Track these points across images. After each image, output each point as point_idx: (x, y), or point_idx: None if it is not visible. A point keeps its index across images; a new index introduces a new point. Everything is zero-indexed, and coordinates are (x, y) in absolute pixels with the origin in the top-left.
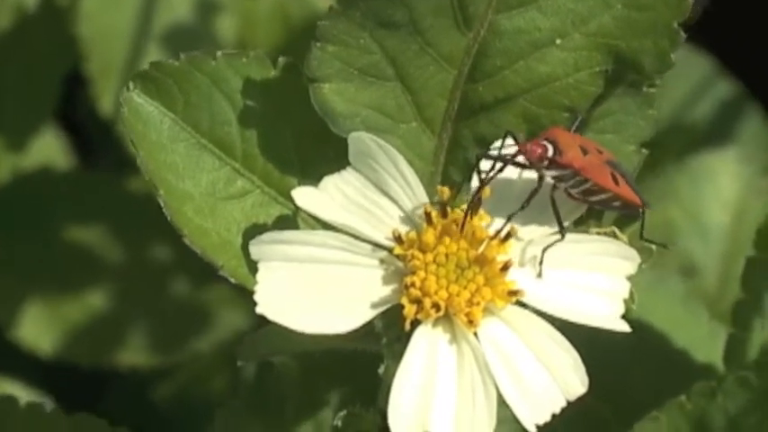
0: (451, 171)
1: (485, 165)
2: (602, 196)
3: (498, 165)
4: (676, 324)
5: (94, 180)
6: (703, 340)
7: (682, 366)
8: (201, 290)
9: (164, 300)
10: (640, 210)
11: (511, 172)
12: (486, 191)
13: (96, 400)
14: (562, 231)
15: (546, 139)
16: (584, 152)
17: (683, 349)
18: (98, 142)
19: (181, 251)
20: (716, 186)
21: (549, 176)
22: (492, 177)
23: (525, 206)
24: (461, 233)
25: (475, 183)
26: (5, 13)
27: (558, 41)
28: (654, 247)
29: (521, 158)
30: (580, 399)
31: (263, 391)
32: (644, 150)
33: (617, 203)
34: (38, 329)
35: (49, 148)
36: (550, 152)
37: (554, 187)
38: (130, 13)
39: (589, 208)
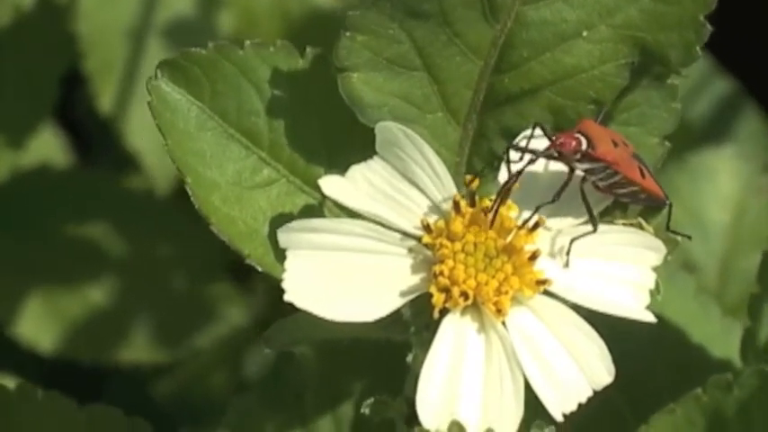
0: (476, 161)
1: (514, 156)
2: (629, 189)
3: (528, 156)
4: (690, 319)
5: (93, 178)
6: (717, 336)
7: (699, 360)
8: (201, 287)
9: (163, 296)
10: (663, 203)
11: (538, 163)
12: (515, 184)
13: (96, 396)
14: (594, 223)
15: (579, 132)
16: (615, 145)
17: (699, 343)
18: (97, 140)
19: (181, 247)
20: (715, 184)
21: (580, 169)
22: (523, 169)
23: (556, 199)
24: (491, 224)
25: (503, 174)
26: (3, 12)
27: (585, 33)
28: (679, 238)
29: (552, 151)
30: (602, 390)
31: (281, 384)
32: (666, 143)
33: (642, 196)
34: (37, 326)
35: (47, 147)
36: (584, 145)
37: (583, 179)
38: (128, 11)
39: (614, 199)
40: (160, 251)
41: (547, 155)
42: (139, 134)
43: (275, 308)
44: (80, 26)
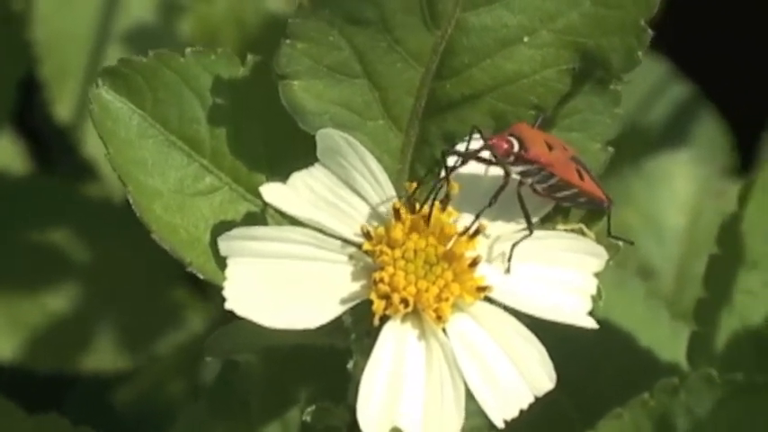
0: (418, 168)
1: (451, 161)
2: (568, 192)
3: (464, 160)
4: (638, 324)
5: (51, 185)
6: (666, 340)
7: (646, 365)
8: (160, 294)
9: (122, 304)
10: (605, 205)
11: (479, 168)
12: (455, 187)
13: (56, 404)
14: (530, 227)
15: (511, 135)
16: (550, 148)
17: (647, 348)
18: (56, 147)
19: (140, 254)
20: (671, 189)
21: (515, 172)
22: (453, 170)
23: (493, 202)
24: (428, 225)
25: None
26: None
27: (526, 39)
28: (621, 243)
29: (486, 154)
30: (547, 395)
31: (227, 391)
32: (610, 149)
33: (582, 199)
34: None
35: (5, 153)
36: (516, 147)
37: (520, 183)
38: (85, 18)
39: (556, 205)
40: (119, 258)
41: (480, 159)
42: (97, 141)
43: (233, 314)
44: (36, 32)
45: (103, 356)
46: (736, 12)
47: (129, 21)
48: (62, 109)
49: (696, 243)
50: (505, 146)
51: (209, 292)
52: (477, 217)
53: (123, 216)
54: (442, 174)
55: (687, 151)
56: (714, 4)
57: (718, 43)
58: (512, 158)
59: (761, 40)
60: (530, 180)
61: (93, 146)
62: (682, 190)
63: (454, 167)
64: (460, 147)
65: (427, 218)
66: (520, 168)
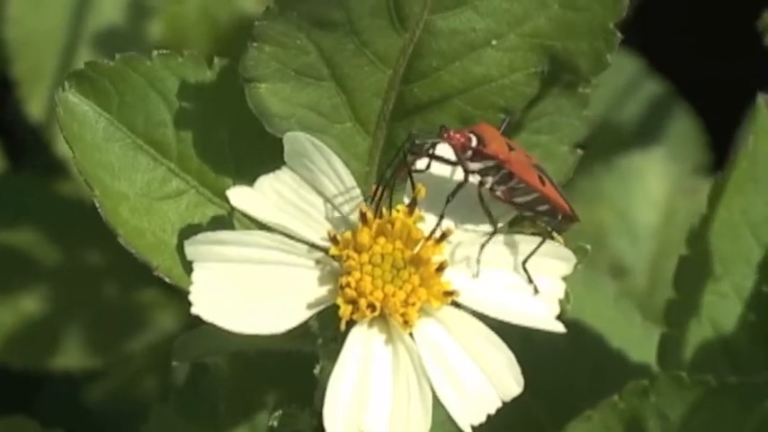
0: (387, 171)
1: (412, 159)
2: (529, 197)
3: (424, 157)
4: (609, 325)
5: (24, 183)
6: (637, 341)
7: (617, 366)
8: (133, 292)
9: (95, 302)
10: (570, 218)
11: (445, 172)
12: (422, 190)
13: (27, 403)
14: (494, 226)
15: (471, 132)
16: (510, 149)
17: (617, 349)
18: (29, 144)
19: (112, 254)
20: (644, 186)
21: (473, 169)
22: (412, 164)
23: (450, 199)
24: (375, 216)
25: (406, 179)
26: None
27: (494, 42)
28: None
29: (447, 152)
30: (516, 398)
31: (196, 394)
32: (578, 151)
33: (545, 207)
34: None
35: None
36: (474, 142)
37: (480, 183)
38: (56, 18)
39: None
40: (91, 258)
41: (440, 158)
42: None
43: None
44: (8, 32)
45: (75, 355)
46: (709, 8)
47: (101, 21)
48: (34, 108)
49: (669, 241)
50: (462, 140)
51: (181, 292)
52: (441, 219)
53: (96, 215)
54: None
55: (660, 149)
56: (687, 1)
57: (692, 40)
58: (469, 153)
59: (734, 36)
60: (489, 180)
61: (65, 145)
62: (654, 188)
63: (414, 163)
64: (422, 145)
65: (375, 211)
66: (478, 165)
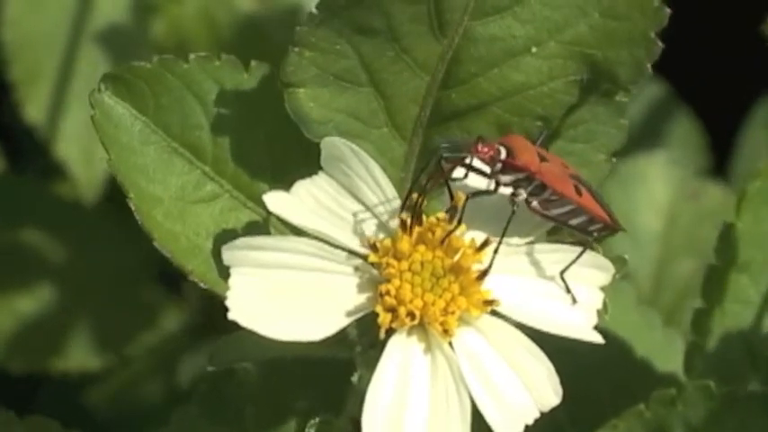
0: (422, 177)
1: (446, 166)
2: (565, 209)
3: (459, 168)
4: (633, 331)
5: (22, 184)
6: (660, 347)
7: (642, 374)
8: (132, 293)
9: (94, 304)
10: (611, 229)
11: (483, 182)
12: (461, 198)
13: (28, 406)
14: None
15: (501, 144)
16: (543, 159)
17: (641, 356)
18: (27, 147)
19: (110, 255)
20: (647, 190)
21: (505, 182)
22: (448, 175)
23: (470, 196)
24: (441, 245)
25: (447, 190)
26: None
27: (534, 49)
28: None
29: (479, 164)
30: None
31: (220, 398)
32: (613, 159)
33: (583, 218)
34: None
35: None
36: (503, 155)
37: (513, 195)
38: (55, 19)
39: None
40: (91, 259)
41: (473, 168)
42: (67, 142)
43: (207, 314)
44: (5, 33)
45: (75, 357)
46: (709, 9)
47: (100, 21)
48: (32, 110)
49: (672, 245)
50: (490, 152)
51: (183, 292)
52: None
53: (94, 216)
54: (447, 187)
55: (663, 153)
56: (688, 4)
57: (693, 42)
58: (499, 166)
59: (735, 38)
60: (522, 192)
61: (63, 147)
62: (657, 191)
63: (450, 172)
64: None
65: (444, 238)
66: (509, 177)
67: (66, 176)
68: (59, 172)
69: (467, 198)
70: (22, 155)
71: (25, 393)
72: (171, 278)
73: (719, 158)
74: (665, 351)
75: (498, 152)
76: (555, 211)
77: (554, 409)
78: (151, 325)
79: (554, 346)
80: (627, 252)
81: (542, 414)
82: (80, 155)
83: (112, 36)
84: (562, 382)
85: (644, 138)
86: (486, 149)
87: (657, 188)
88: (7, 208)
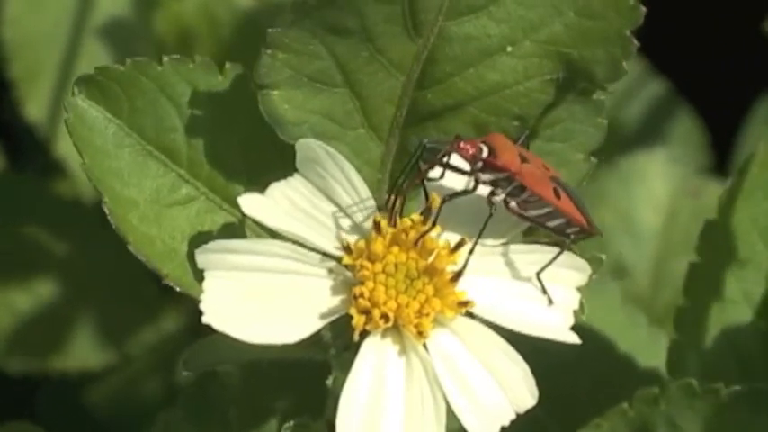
0: (400, 178)
1: (425, 167)
2: (542, 210)
3: (438, 166)
4: (616, 330)
5: (22, 182)
6: (644, 346)
7: (625, 372)
8: (132, 293)
9: (94, 303)
10: (587, 233)
11: (460, 183)
12: (436, 200)
13: (28, 405)
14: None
15: (483, 142)
16: (524, 160)
17: (624, 355)
18: (27, 145)
19: (110, 254)
20: (647, 188)
21: (484, 180)
22: (426, 173)
23: (447, 199)
24: (415, 246)
25: (423, 191)
26: None
27: (509, 49)
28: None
29: (461, 162)
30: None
31: (205, 400)
32: (592, 159)
33: (561, 221)
34: None
35: None
36: (484, 153)
37: (491, 194)
38: (55, 18)
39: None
40: (90, 257)
41: (452, 167)
42: (67, 140)
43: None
44: (5, 32)
45: (75, 356)
46: (711, 9)
47: (100, 19)
48: (32, 108)
49: (671, 243)
50: (472, 150)
51: (182, 293)
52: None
53: (94, 215)
54: (422, 187)
55: (663, 150)
56: (690, 3)
57: (694, 40)
58: (479, 164)
59: (736, 36)
60: (501, 192)
61: (64, 146)
62: (657, 189)
63: (427, 172)
64: (432, 152)
65: (418, 239)
66: (489, 176)
67: (66, 174)
68: (59, 170)
69: (443, 201)
70: (22, 153)
71: (24, 392)
72: None
73: (720, 156)
74: (649, 350)
75: (480, 150)
76: (533, 213)
77: (538, 408)
78: (150, 324)
79: (536, 346)
80: (626, 249)
81: (522, 414)
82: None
83: (113, 33)
84: (545, 382)
85: (644, 135)
86: (468, 147)
87: (657, 185)
88: (7, 206)
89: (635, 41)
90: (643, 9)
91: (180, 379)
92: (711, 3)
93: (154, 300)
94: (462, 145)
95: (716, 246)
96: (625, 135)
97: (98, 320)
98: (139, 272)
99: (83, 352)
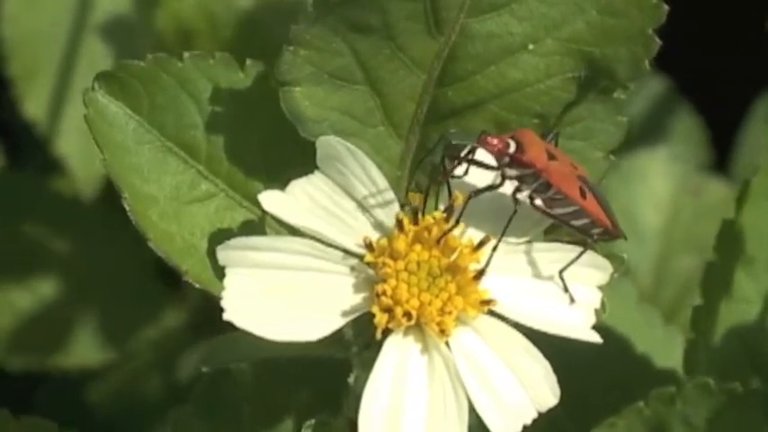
0: (419, 175)
1: (450, 165)
2: (568, 209)
3: (463, 163)
4: (633, 328)
5: (21, 180)
6: (660, 344)
7: (641, 371)
8: (132, 290)
9: (94, 300)
10: (611, 234)
11: (483, 181)
12: (459, 198)
13: (28, 402)
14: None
15: (511, 138)
16: (551, 157)
17: (641, 354)
18: (26, 143)
19: (110, 251)
20: (648, 186)
21: (510, 176)
22: (451, 171)
23: (473, 195)
24: (438, 244)
25: (446, 188)
26: None
27: (531, 47)
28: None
29: (485, 157)
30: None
31: (217, 397)
32: (612, 157)
33: (585, 221)
34: None
35: None
36: (512, 148)
37: (517, 190)
38: (53, 15)
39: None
40: (91, 255)
41: (478, 162)
42: (66, 138)
43: (207, 310)
44: (4, 30)
45: (76, 354)
46: (712, 6)
47: (100, 16)
48: (30, 106)
49: (673, 241)
50: (500, 145)
51: (184, 289)
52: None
53: (93, 212)
54: (445, 185)
55: (664, 148)
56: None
57: (694, 38)
58: (507, 160)
59: (736, 33)
60: (526, 188)
61: (63, 144)
62: (659, 187)
63: (453, 169)
64: (457, 148)
65: (440, 237)
66: (515, 172)
67: (65, 172)
68: (59, 168)
69: (468, 197)
70: (21, 151)
71: (25, 390)
72: (171, 274)
73: (721, 154)
74: (665, 349)
75: (507, 145)
76: (558, 211)
77: (554, 407)
78: (151, 321)
79: (554, 345)
80: (627, 248)
81: (541, 414)
82: (79, 151)
83: (113, 31)
84: (562, 381)
85: (645, 133)
86: (496, 141)
87: (658, 184)
88: (7, 204)
89: (657, 39)
90: (666, 7)
91: (181, 376)
92: (713, 0)
93: (154, 297)
94: (490, 139)
95: (732, 245)
96: (628, 133)
97: (98, 318)
98: (139, 269)
99: (83, 350)
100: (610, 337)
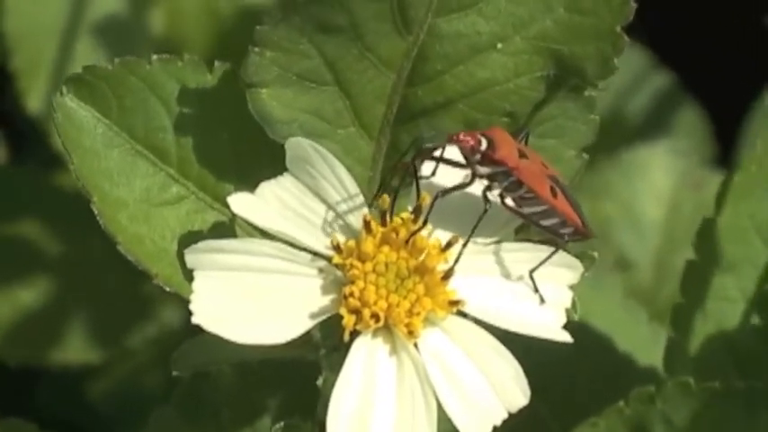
0: (389, 177)
1: (420, 164)
2: (538, 208)
3: (433, 161)
4: (616, 326)
5: (24, 174)
6: (644, 342)
7: (624, 369)
8: (134, 286)
9: (95, 295)
10: (582, 234)
11: (451, 181)
12: (426, 198)
13: (27, 398)
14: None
15: (482, 135)
16: (522, 156)
17: (624, 352)
18: (29, 137)
19: (111, 247)
20: (649, 180)
21: (482, 173)
22: (443, 193)
23: (439, 195)
24: (406, 245)
25: (415, 188)
26: None
27: (499, 46)
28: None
29: (455, 156)
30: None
31: (198, 398)
32: (584, 155)
33: (555, 220)
34: None
35: None
36: (483, 146)
37: (487, 189)
38: (56, 10)
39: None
40: (91, 250)
41: (449, 161)
42: None
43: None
44: (6, 24)
45: (75, 349)
46: (716, 2)
47: (101, 13)
48: (32, 100)
49: (674, 235)
50: (472, 142)
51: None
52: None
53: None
54: (415, 186)
55: (666, 142)
56: None
57: (698, 32)
58: (478, 157)
59: (740, 28)
60: (496, 187)
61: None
62: (660, 181)
63: (421, 167)
64: (430, 148)
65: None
66: (486, 170)
67: (67, 167)
68: (61, 163)
69: (435, 197)
70: (23, 145)
71: (25, 386)
72: None
73: (724, 148)
74: (649, 346)
75: (479, 142)
76: (528, 210)
77: (536, 404)
78: (151, 317)
79: (533, 344)
80: (628, 242)
81: (516, 413)
82: None
83: (110, 27)
84: (544, 380)
85: (649, 128)
86: (468, 139)
87: (659, 178)
88: (8, 199)
89: (625, 37)
90: (633, 5)
91: (177, 377)
92: None
93: (154, 293)
94: (462, 137)
95: (713, 243)
96: (629, 127)
97: (98, 313)
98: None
99: (83, 345)
100: (592, 334)
